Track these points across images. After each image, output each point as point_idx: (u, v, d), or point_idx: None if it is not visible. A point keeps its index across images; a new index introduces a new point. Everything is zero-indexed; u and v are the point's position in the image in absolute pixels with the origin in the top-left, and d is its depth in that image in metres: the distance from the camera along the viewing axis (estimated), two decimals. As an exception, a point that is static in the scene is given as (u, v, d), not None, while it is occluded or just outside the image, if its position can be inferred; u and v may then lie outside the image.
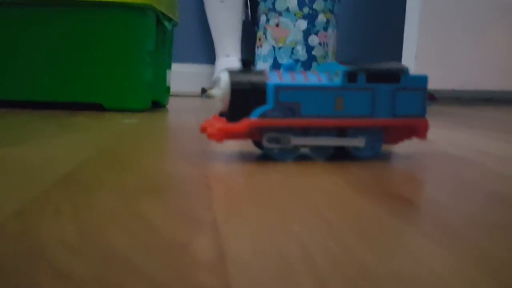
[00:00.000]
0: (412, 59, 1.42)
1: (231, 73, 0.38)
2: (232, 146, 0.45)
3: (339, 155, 0.40)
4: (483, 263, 0.17)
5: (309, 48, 1.55)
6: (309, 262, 0.17)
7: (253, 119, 0.36)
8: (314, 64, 1.57)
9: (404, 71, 0.38)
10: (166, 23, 0.91)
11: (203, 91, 1.59)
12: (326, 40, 1.58)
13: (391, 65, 0.38)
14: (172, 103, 1.11)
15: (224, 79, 0.37)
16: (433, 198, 0.27)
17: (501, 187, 0.30)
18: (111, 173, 0.31)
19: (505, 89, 1.51)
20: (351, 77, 0.37)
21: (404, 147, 0.46)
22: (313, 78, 0.39)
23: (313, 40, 1.55)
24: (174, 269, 0.16)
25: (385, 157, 0.40)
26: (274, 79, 0.38)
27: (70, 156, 0.37)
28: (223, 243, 0.19)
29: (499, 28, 1.49)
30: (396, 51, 1.86)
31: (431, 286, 0.15)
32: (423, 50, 1.41)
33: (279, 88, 0.36)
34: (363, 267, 0.16)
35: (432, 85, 1.45)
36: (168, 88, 0.99)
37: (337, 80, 0.38)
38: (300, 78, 0.38)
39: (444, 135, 0.58)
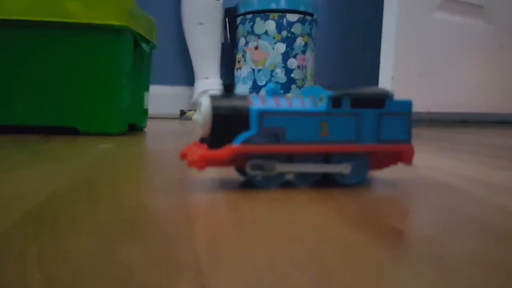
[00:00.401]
0: (388, 81, 1.44)
1: (213, 98, 0.36)
2: (214, 173, 0.43)
3: (324, 182, 0.39)
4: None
5: (288, 71, 1.56)
6: (304, 312, 0.15)
7: (236, 145, 0.35)
8: (293, 86, 1.58)
9: (389, 95, 0.38)
10: (144, 45, 0.90)
11: (182, 113, 1.57)
12: (304, 63, 1.59)
13: (376, 90, 0.38)
14: (151, 126, 1.09)
15: (205, 104, 0.36)
16: (423, 230, 0.25)
17: (492, 218, 0.29)
18: (84, 208, 0.29)
19: (479, 112, 1.55)
20: (335, 102, 0.36)
21: (389, 173, 0.45)
22: (297, 103, 0.37)
23: (292, 63, 1.56)
24: (152, 325, 0.14)
25: (371, 184, 0.39)
26: (257, 104, 0.36)
27: (41, 188, 0.35)
28: (207, 286, 0.17)
29: (474, 52, 1.53)
30: (373, 74, 1.89)
31: None
32: (400, 73, 1.44)
33: (263, 113, 0.35)
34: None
35: (409, 107, 1.47)
36: (146, 111, 0.97)
37: (322, 105, 0.37)
38: (284, 103, 0.37)
39: (427, 160, 0.57)
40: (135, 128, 0.93)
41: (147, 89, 0.98)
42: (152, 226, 0.25)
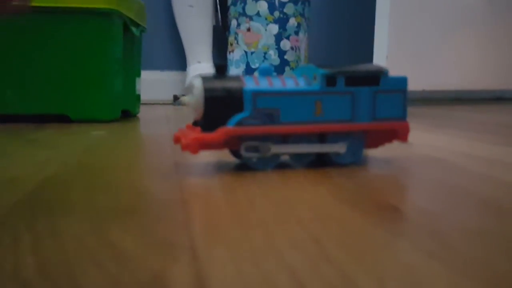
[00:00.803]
0: (383, 60, 1.43)
1: (205, 79, 0.35)
2: (208, 156, 0.43)
3: (320, 162, 0.39)
4: (482, 276, 0.16)
5: (281, 53, 1.55)
6: (302, 290, 0.15)
7: (230, 127, 0.34)
8: (287, 68, 1.57)
9: (384, 72, 0.37)
10: (134, 29, 0.88)
11: (175, 98, 1.56)
12: (298, 44, 1.57)
13: (370, 67, 0.37)
14: (144, 112, 1.08)
15: (198, 85, 0.35)
16: (420, 205, 0.25)
17: (487, 191, 0.29)
18: (77, 193, 0.28)
19: (474, 89, 1.55)
20: (330, 80, 0.36)
21: (384, 151, 0.45)
22: (291, 82, 0.37)
23: (285, 44, 1.55)
24: (149, 308, 0.14)
25: (366, 163, 0.39)
26: (250, 84, 0.36)
27: (34, 174, 0.34)
28: (202, 271, 0.17)
29: (468, 29, 1.52)
30: (368, 53, 1.87)
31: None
32: (394, 52, 1.43)
33: (256, 94, 0.35)
34: (361, 293, 0.15)
35: (403, 86, 1.46)
36: (138, 96, 0.96)
37: (316, 84, 0.36)
38: (277, 83, 0.37)
39: (422, 137, 0.57)
40: (127, 114, 0.92)
41: (139, 75, 0.96)
42: (147, 210, 0.24)
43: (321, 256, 0.18)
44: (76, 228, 0.21)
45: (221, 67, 0.36)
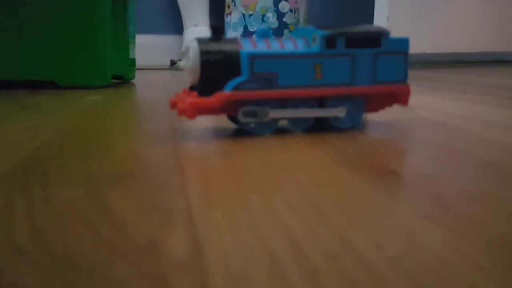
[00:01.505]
0: (383, 22, 1.40)
1: (201, 42, 0.34)
2: (205, 122, 0.43)
3: (319, 126, 0.38)
4: (483, 238, 0.16)
5: (280, 15, 1.51)
6: (299, 254, 0.15)
7: (227, 92, 0.33)
8: (285, 31, 1.53)
9: (385, 34, 0.36)
10: None
11: (173, 63, 1.53)
12: (297, 6, 1.54)
13: (371, 27, 0.36)
14: (140, 77, 1.07)
15: (194, 48, 0.34)
16: (420, 169, 0.25)
17: (488, 154, 0.28)
18: (72, 158, 0.28)
19: (476, 51, 1.52)
20: (329, 42, 0.35)
21: (384, 115, 0.45)
22: (289, 45, 0.36)
23: (284, 6, 1.51)
24: (144, 272, 0.14)
25: (366, 127, 0.38)
26: (248, 47, 0.35)
27: (29, 139, 0.34)
28: (199, 236, 0.16)
29: (469, -11, 1.48)
30: (368, 15, 1.83)
31: (433, 270, 0.13)
32: (395, 14, 1.40)
33: (253, 57, 0.34)
34: (358, 255, 0.15)
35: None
36: (133, 61, 0.93)
37: (315, 46, 0.35)
38: (275, 45, 0.36)
39: (423, 101, 0.56)
40: (122, 79, 0.90)
41: (133, 38, 0.92)
42: (143, 176, 0.24)
43: (319, 220, 0.18)
44: (71, 194, 0.21)
45: (217, 29, 0.34)
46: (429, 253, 0.15)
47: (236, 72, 0.34)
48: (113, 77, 0.85)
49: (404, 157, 0.28)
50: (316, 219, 0.18)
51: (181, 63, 0.35)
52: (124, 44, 0.88)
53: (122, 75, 0.87)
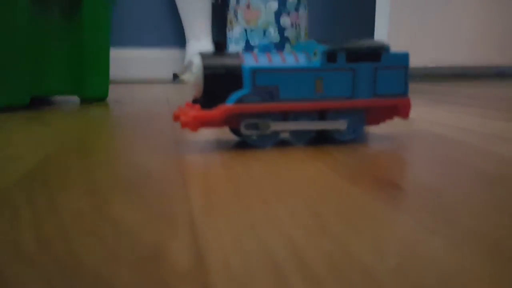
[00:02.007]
0: (384, 37, 1.42)
1: (204, 56, 0.35)
2: (208, 134, 0.43)
3: (320, 139, 0.38)
4: (483, 249, 0.16)
5: (281, 30, 1.53)
6: (301, 263, 0.15)
7: (230, 105, 0.34)
8: (287, 45, 1.55)
9: (385, 48, 0.37)
10: None
11: (175, 76, 1.55)
12: (298, 21, 1.55)
13: (371, 42, 0.37)
14: (142, 90, 1.07)
15: (197, 63, 0.35)
16: (421, 181, 0.25)
17: (489, 167, 0.29)
18: (76, 169, 0.28)
19: (476, 65, 1.53)
20: (330, 56, 0.36)
21: (384, 127, 0.45)
22: (290, 59, 0.37)
23: (285, 21, 1.53)
24: (147, 280, 0.14)
25: (367, 139, 0.39)
26: (250, 61, 0.35)
27: (33, 151, 0.34)
28: (202, 245, 0.17)
29: (471, 4, 1.50)
30: (369, 30, 1.85)
31: (434, 281, 0.14)
32: (395, 28, 1.41)
33: (255, 71, 0.34)
34: (360, 265, 0.15)
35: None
36: (103, 76, 0.78)
37: (316, 60, 0.36)
38: (277, 59, 0.36)
39: (423, 113, 0.57)
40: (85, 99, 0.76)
41: (105, 48, 0.77)
42: (146, 186, 0.24)
43: (321, 230, 0.18)
44: (75, 204, 0.21)
45: (220, 44, 0.35)
46: (430, 264, 0.15)
47: (238, 85, 0.35)
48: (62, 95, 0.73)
49: (405, 169, 0.28)
50: (318, 229, 0.18)
51: (184, 76, 0.36)
52: (78, 58, 0.74)
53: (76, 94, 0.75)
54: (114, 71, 1.71)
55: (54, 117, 0.57)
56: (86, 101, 0.76)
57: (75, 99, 0.77)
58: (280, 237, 0.17)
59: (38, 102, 0.75)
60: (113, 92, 1.08)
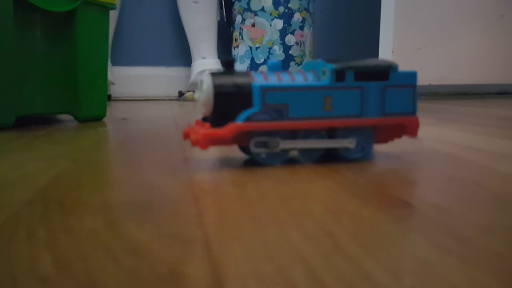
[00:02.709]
0: (388, 55, 1.43)
1: (214, 75, 0.36)
2: (217, 152, 0.43)
3: (328, 157, 0.39)
4: (497, 269, 0.16)
5: (286, 48, 1.54)
6: (318, 284, 0.15)
7: (239, 123, 0.34)
8: (292, 63, 1.56)
9: (393, 67, 0.37)
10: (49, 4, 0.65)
11: (181, 94, 1.56)
12: (303, 39, 1.57)
13: (380, 61, 0.37)
14: (148, 108, 1.08)
15: (207, 81, 0.35)
16: (432, 200, 0.25)
17: (497, 185, 0.29)
18: (89, 188, 0.29)
19: (480, 83, 1.54)
20: (339, 75, 0.36)
21: (393, 146, 0.45)
22: (299, 77, 0.37)
23: (290, 39, 1.54)
24: (167, 302, 0.14)
25: (376, 158, 0.39)
26: (259, 80, 0.36)
27: (45, 169, 0.34)
28: (218, 265, 0.17)
29: (474, 23, 1.51)
30: (373, 48, 1.87)
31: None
32: (400, 47, 1.42)
33: (265, 89, 0.35)
34: (376, 286, 0.15)
35: (409, 81, 1.46)
36: (101, 95, 0.76)
37: (325, 79, 0.36)
38: (286, 78, 0.37)
39: (431, 132, 0.57)
40: (92, 119, 0.75)
41: (102, 65, 0.75)
42: (159, 205, 0.25)
43: (335, 250, 0.18)
44: (90, 223, 0.22)
45: (229, 63, 0.36)
46: (445, 284, 0.15)
47: (248, 104, 0.35)
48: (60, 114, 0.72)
49: (415, 188, 0.28)
50: (332, 249, 0.18)
51: (194, 95, 0.36)
52: (72, 76, 0.72)
53: (69, 113, 0.73)
54: (120, 89, 1.73)
55: (61, 136, 0.57)
56: (82, 120, 0.74)
57: (70, 118, 0.76)
58: (294, 258, 0.17)
59: (36, 121, 0.76)
60: (120, 110, 1.09)
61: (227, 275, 0.16)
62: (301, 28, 1.55)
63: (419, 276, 0.16)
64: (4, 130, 0.62)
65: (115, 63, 1.73)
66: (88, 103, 0.74)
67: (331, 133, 0.37)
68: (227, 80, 0.35)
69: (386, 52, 1.42)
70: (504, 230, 0.20)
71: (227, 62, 0.36)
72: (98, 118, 0.76)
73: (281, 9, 1.53)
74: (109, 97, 1.64)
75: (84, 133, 0.59)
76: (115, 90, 1.74)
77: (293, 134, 0.36)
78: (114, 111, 1.05)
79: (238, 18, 1.57)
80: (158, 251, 0.18)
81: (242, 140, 0.37)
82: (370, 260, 0.17)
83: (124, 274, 0.16)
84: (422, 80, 1.46)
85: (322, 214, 0.23)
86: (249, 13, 1.55)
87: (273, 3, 1.52)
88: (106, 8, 0.76)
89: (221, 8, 1.66)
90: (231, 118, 0.35)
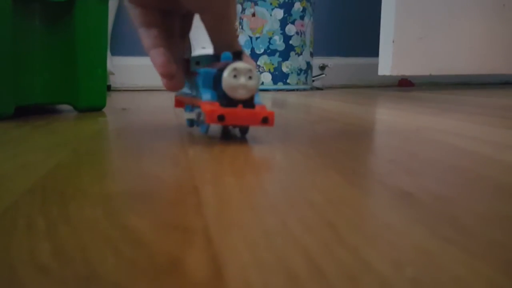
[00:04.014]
0: (389, 45, 1.42)
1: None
2: (217, 142, 0.43)
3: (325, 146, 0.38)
4: (500, 260, 0.16)
5: (286, 38, 1.53)
6: (318, 274, 0.15)
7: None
8: (292, 53, 1.55)
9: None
10: None
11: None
12: (303, 29, 1.56)
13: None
14: (148, 98, 1.08)
15: (250, 67, 0.38)
16: (433, 190, 0.25)
17: (499, 175, 0.28)
18: (88, 178, 0.28)
19: (481, 73, 1.53)
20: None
21: (393, 136, 0.45)
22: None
23: (290, 29, 1.53)
24: (167, 292, 0.14)
25: (376, 148, 0.39)
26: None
27: (44, 159, 0.34)
28: (218, 255, 0.17)
29: (476, 13, 1.50)
30: (374, 38, 1.85)
31: (456, 296, 0.14)
32: (400, 36, 1.41)
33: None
34: (377, 275, 0.15)
35: (409, 71, 1.45)
36: (101, 84, 0.75)
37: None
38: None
39: (432, 122, 0.57)
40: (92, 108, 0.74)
41: (101, 54, 0.74)
42: (159, 195, 0.24)
43: (336, 240, 0.18)
44: (89, 213, 0.21)
45: (238, 54, 0.40)
46: (447, 274, 0.15)
47: None
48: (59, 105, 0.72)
49: (416, 178, 0.28)
50: (332, 239, 0.18)
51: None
52: (71, 66, 0.71)
53: (69, 103, 0.73)
54: (120, 79, 1.72)
55: (61, 125, 0.57)
56: (81, 110, 0.74)
57: (70, 108, 0.76)
58: (295, 248, 0.17)
59: (35, 111, 0.76)
60: (119, 100, 1.08)
61: (226, 264, 0.16)
62: (302, 18, 1.54)
63: (420, 266, 0.16)
64: (3, 120, 0.62)
65: (114, 53, 1.72)
66: (88, 93, 0.74)
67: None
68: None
69: (387, 41, 1.42)
70: (506, 220, 0.20)
71: (236, 53, 0.40)
72: (97, 108, 0.76)
73: (282, -2, 1.52)
74: (108, 87, 1.63)
75: (84, 123, 0.59)
76: (115, 80, 1.73)
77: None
78: (113, 101, 1.05)
79: (238, 8, 1.56)
80: (158, 241, 0.18)
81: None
82: (372, 251, 0.17)
83: (124, 264, 0.16)
84: (423, 70, 1.45)
85: (322, 204, 0.23)
86: (249, 2, 1.53)
87: (274, -8, 1.51)
88: (106, -3, 0.75)
89: (221, -3, 1.64)
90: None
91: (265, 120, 0.38)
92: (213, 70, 0.40)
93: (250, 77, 0.38)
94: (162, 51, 0.41)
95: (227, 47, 0.41)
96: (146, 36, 0.42)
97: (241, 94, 0.38)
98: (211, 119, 0.37)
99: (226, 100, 0.38)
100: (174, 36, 0.46)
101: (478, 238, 0.18)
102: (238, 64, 0.37)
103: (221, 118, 0.37)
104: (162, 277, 0.15)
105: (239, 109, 0.38)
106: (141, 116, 0.67)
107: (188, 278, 0.15)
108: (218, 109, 0.37)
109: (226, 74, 0.37)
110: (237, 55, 0.40)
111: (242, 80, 0.37)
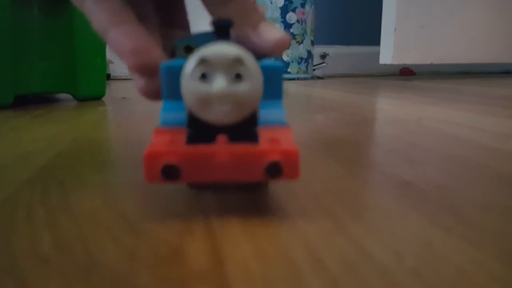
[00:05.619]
0: (391, 33, 1.41)
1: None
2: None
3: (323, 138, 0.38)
4: (499, 249, 0.16)
5: (287, 26, 1.52)
6: (318, 263, 0.15)
7: None
8: (293, 42, 1.54)
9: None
10: None
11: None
12: (304, 17, 1.55)
13: None
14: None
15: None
16: (433, 180, 0.25)
17: (499, 165, 0.28)
18: (88, 167, 0.28)
19: (483, 62, 1.52)
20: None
21: (393, 126, 0.45)
22: None
23: (291, 17, 1.52)
24: (167, 281, 0.14)
25: (376, 138, 0.39)
26: None
27: (44, 149, 0.34)
28: (218, 244, 0.17)
29: (476, 2, 1.48)
30: (375, 26, 1.84)
31: (454, 283, 0.14)
32: (402, 25, 1.40)
33: None
34: (377, 265, 0.15)
35: (411, 60, 1.44)
36: (100, 74, 0.75)
37: None
38: None
39: (432, 111, 0.57)
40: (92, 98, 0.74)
41: (100, 43, 0.73)
42: (159, 184, 0.24)
43: (336, 230, 0.18)
44: (90, 203, 0.21)
45: (225, 25, 0.37)
46: (447, 263, 0.15)
47: None
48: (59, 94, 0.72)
49: (416, 168, 0.28)
50: (333, 229, 0.18)
51: None
52: (70, 54, 0.71)
53: (68, 92, 0.73)
54: (120, 68, 1.71)
55: (60, 115, 0.57)
56: (81, 99, 0.74)
57: (69, 97, 0.76)
58: (295, 238, 0.17)
59: (35, 101, 0.76)
60: (119, 89, 1.08)
61: (226, 254, 0.16)
62: (303, 5, 1.53)
63: (421, 256, 0.16)
64: (3, 109, 0.62)
65: (114, 41, 1.70)
66: (87, 82, 0.73)
67: None
68: None
69: (389, 30, 1.40)
70: (507, 210, 0.20)
71: (223, 23, 0.29)
72: (97, 97, 0.76)
73: (282, -14, 1.50)
74: (108, 76, 1.63)
75: (83, 112, 0.59)
76: (114, 69, 1.72)
77: None
78: (113, 90, 1.05)
79: (238, -4, 1.55)
80: (158, 231, 0.18)
81: None
82: (372, 240, 0.17)
83: (124, 254, 0.16)
84: (424, 59, 1.44)
85: (322, 193, 0.23)
86: (249, -10, 1.52)
87: (274, -20, 1.50)
88: (105, -15, 0.74)
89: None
90: None
91: (274, 170, 0.18)
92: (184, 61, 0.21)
93: (238, 76, 0.18)
94: (132, 28, 0.23)
95: (218, 8, 0.24)
96: (99, 10, 0.25)
97: (219, 115, 0.18)
98: (151, 174, 0.18)
99: (198, 125, 0.19)
100: (148, 17, 0.29)
101: (478, 228, 0.18)
102: (212, 50, 0.18)
103: (169, 172, 0.18)
104: (163, 267, 0.15)
105: (219, 145, 0.18)
106: (141, 105, 0.67)
107: (188, 268, 0.15)
108: (167, 150, 0.18)
109: (186, 72, 0.18)
110: (224, 28, 0.21)
111: (219, 83, 0.17)
